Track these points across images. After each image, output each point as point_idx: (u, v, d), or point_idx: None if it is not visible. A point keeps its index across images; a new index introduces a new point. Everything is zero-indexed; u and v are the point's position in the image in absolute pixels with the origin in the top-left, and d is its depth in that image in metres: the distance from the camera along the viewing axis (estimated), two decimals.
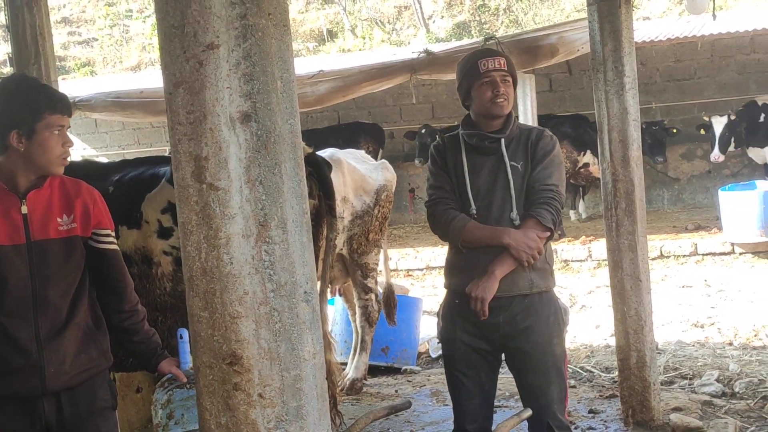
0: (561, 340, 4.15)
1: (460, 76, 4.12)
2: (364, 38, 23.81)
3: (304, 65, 12.89)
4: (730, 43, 14.19)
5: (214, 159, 2.01)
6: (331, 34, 25.34)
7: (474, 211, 4.00)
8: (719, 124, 12.51)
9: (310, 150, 4.65)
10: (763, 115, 12.75)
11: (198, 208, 2.03)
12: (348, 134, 14.70)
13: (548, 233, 3.95)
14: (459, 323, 4.08)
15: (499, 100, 3.96)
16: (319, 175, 4.65)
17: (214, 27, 1.98)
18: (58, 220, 3.23)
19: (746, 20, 12.97)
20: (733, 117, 12.50)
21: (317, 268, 4.77)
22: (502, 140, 4.01)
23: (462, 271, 4.05)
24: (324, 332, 4.68)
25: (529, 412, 3.85)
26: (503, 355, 4.18)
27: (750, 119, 12.72)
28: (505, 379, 4.41)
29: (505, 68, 4.00)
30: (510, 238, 3.88)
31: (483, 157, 4.05)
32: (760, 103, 12.89)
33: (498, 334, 4.02)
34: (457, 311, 4.08)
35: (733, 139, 12.58)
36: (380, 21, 25.07)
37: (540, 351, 4.02)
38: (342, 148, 8.95)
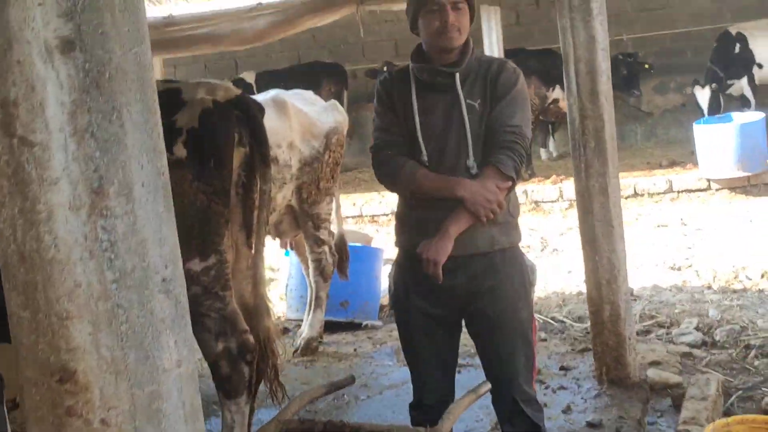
0: (527, 303, 3.63)
1: (408, 0, 3.58)
2: None
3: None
4: None
5: (25, 104, 1.46)
6: None
7: (425, 158, 3.46)
8: (704, 96, 12.04)
9: (238, 91, 4.10)
10: (737, 45, 12.26)
11: (9, 170, 1.49)
12: (309, 75, 14.06)
13: (510, 183, 3.39)
14: (411, 286, 3.59)
15: (447, 32, 3.39)
16: (249, 119, 4.10)
17: None
18: None
19: None
20: (714, 87, 11.98)
21: (252, 223, 4.26)
22: (457, 75, 3.45)
23: (413, 228, 3.54)
24: (261, 294, 4.18)
25: (488, 387, 3.38)
26: (463, 321, 3.69)
27: (725, 52, 12.22)
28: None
29: None
30: (465, 190, 3.33)
31: (435, 94, 3.49)
32: (733, 32, 12.37)
33: (456, 298, 3.53)
34: (409, 273, 3.58)
35: (720, 98, 12.13)
36: None
37: (504, 316, 3.52)
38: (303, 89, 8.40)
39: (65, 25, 1.46)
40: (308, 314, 6.61)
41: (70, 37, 1.46)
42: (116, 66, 1.50)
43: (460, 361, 4.03)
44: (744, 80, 12.28)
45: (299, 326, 6.78)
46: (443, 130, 3.45)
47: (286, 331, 6.98)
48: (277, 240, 6.67)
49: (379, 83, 3.65)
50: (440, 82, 3.47)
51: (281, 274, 8.17)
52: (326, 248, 6.39)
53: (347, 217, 11.19)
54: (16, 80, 1.46)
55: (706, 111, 12.00)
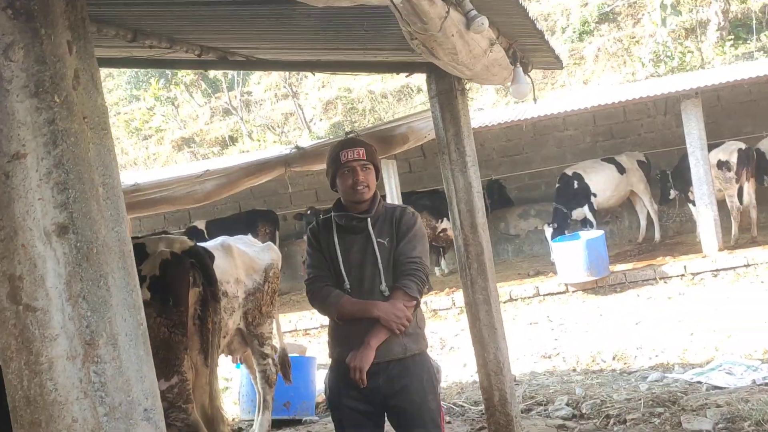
0: (435, 396, 3.64)
1: (327, 165, 3.66)
2: (259, 140, 23.22)
3: (195, 167, 12.41)
4: (548, 123, 14.18)
5: (29, 278, 1.46)
6: (232, 140, 24.72)
7: (348, 286, 3.51)
8: (549, 233, 12.43)
9: (192, 243, 4.11)
10: (576, 182, 12.70)
11: (16, 331, 1.48)
12: (248, 220, 14.12)
13: (415, 302, 3.48)
14: (344, 389, 3.55)
15: (358, 188, 3.51)
16: (201, 265, 4.10)
17: (19, 135, 1.45)
18: None
19: (558, 104, 12.96)
20: (555, 226, 12.40)
21: (208, 348, 4.20)
22: (369, 220, 3.54)
23: (342, 342, 3.54)
24: (216, 405, 4.10)
25: None
26: (386, 414, 3.67)
27: (567, 188, 12.64)
28: None
29: (365, 157, 3.54)
30: (380, 310, 3.41)
31: (353, 235, 3.57)
32: (570, 173, 12.82)
33: (379, 396, 3.50)
34: (341, 379, 3.56)
35: (565, 231, 12.46)
36: (271, 126, 24.58)
37: (417, 407, 3.51)
38: (243, 232, 8.41)
39: (60, 214, 1.48)
40: (258, 415, 6.46)
41: (65, 223, 1.48)
42: (102, 243, 1.52)
43: None
44: (585, 207, 12.66)
45: (251, 425, 6.61)
46: (360, 263, 3.51)
47: (240, 431, 6.79)
48: (230, 356, 6.54)
49: (309, 230, 3.71)
50: (356, 226, 3.55)
51: (234, 383, 7.99)
52: (270, 360, 6.29)
53: (285, 332, 11.04)
54: (21, 259, 1.47)
55: (550, 243, 12.30)
